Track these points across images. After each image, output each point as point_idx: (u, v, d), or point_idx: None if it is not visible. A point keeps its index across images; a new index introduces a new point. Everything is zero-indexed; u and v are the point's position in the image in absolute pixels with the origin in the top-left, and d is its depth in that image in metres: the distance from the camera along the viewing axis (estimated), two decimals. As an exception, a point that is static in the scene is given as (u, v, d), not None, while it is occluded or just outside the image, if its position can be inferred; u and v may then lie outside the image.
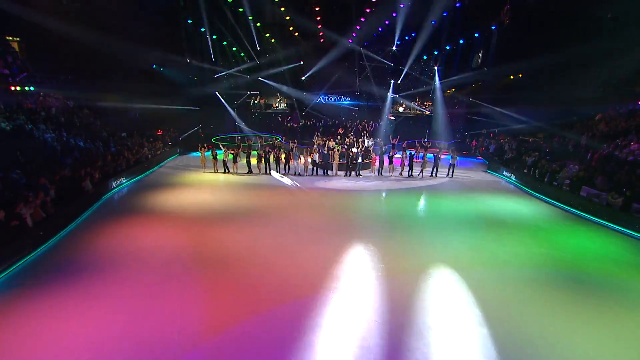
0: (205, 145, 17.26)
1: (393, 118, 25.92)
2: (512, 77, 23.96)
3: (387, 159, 16.76)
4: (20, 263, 7.51)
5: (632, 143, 15.27)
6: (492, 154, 20.33)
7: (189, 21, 21.92)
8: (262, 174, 16.38)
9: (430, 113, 26.83)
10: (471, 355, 5.15)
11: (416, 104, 28.20)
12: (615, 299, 6.74)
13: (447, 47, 24.98)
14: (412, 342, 5.36)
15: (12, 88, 18.88)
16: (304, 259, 8.06)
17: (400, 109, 28.50)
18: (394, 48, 26.29)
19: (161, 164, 18.18)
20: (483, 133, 24.22)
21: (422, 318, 5.93)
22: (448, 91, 26.87)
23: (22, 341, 5.29)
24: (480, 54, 23.83)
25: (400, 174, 16.56)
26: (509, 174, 16.72)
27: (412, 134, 23.83)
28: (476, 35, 23.01)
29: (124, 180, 14.08)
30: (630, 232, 10.14)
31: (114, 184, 13.30)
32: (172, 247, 8.59)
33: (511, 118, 22.49)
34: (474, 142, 24.17)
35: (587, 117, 20.12)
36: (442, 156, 17.41)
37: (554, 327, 5.85)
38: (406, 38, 26.06)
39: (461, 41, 23.89)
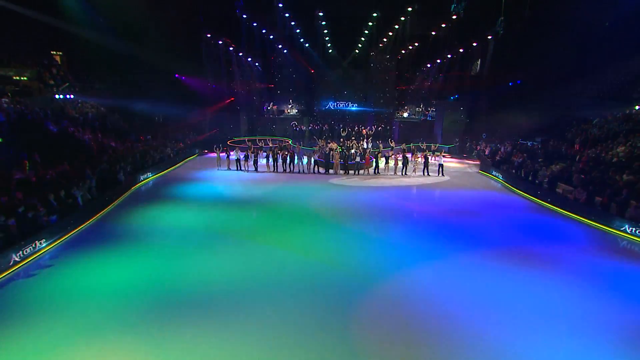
0: (220, 146, 19.34)
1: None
2: (510, 83, 25.16)
3: (385, 160, 18.45)
4: (74, 232, 9.61)
5: (619, 146, 16.37)
6: (487, 156, 21.59)
7: (208, 35, 24.25)
8: (271, 171, 18.28)
9: (432, 118, 28.26)
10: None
11: (420, 109, 29.68)
12: (546, 269, 8.17)
13: (449, 56, 26.44)
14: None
15: (57, 96, 21.36)
16: (290, 230, 9.89)
17: (405, 115, 30.02)
18: (400, 57, 27.99)
19: (182, 162, 20.38)
20: (483, 137, 25.39)
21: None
22: (452, 97, 28.20)
23: (85, 280, 7.32)
24: (479, 62, 25.20)
25: (395, 172, 18.10)
26: (497, 174, 18.05)
27: (413, 137, 25.36)
28: (474, 44, 24.41)
29: (150, 174, 16.30)
30: (586, 220, 11.50)
31: (142, 177, 15.51)
32: (190, 224, 10.55)
33: (510, 122, 23.59)
34: (477, 146, 25.26)
35: (583, 122, 20.96)
36: (433, 159, 18.82)
37: (496, 294, 7.43)
38: (410, 48, 27.71)
39: (461, 50, 25.36)
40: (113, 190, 12.77)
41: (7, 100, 17.98)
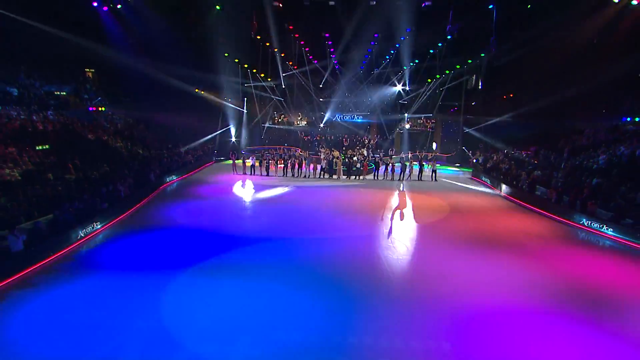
0: (235, 153, 21.55)
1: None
2: (504, 97, 26.92)
3: (383, 167, 20.43)
4: (120, 217, 11.81)
5: (601, 154, 17.99)
6: (480, 164, 23.31)
7: (226, 55, 26.85)
8: (281, 176, 20.35)
9: (432, 129, 30.16)
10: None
11: (421, 121, 31.61)
12: (510, 253, 9.93)
13: (447, 72, 28.43)
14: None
15: (90, 109, 23.88)
16: (292, 218, 11.87)
17: (407, 126, 31.96)
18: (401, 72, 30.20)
19: (201, 168, 22.66)
20: (480, 147, 27.09)
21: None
22: (451, 110, 30.08)
23: (132, 249, 9.42)
24: (474, 78, 27.13)
25: (392, 178, 19.98)
26: (486, 179, 19.79)
27: (414, 147, 27.29)
28: (470, 61, 26.41)
29: (174, 176, 18.56)
30: (553, 216, 13.20)
31: (167, 179, 17.77)
32: (211, 215, 12.64)
33: (503, 134, 25.27)
34: (473, 155, 26.96)
35: (575, 132, 22.43)
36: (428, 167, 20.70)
37: (465, 265, 9.25)
38: (411, 64, 29.85)
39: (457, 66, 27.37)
40: (145, 188, 15.02)
41: (52, 112, 20.61)
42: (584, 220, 12.03)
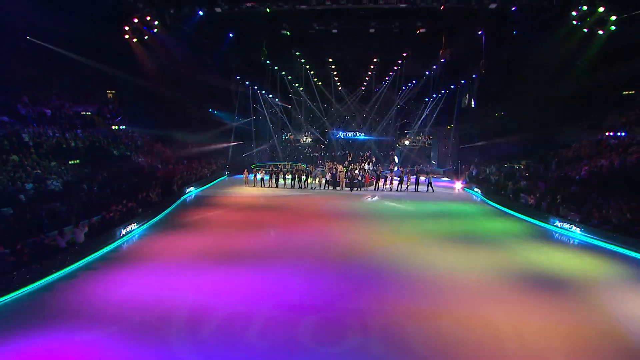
0: (247, 169, 23.58)
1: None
2: (496, 114, 28.83)
3: (383, 179, 22.26)
4: (150, 222, 13.69)
5: (584, 166, 19.64)
6: (474, 176, 25.01)
7: (237, 77, 29.30)
8: (290, 188, 22.22)
9: (430, 145, 32.07)
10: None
11: (419, 138, 33.57)
12: (487, 248, 11.59)
13: (442, 91, 30.54)
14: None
15: (112, 127, 25.99)
16: (303, 223, 13.64)
17: (406, 142, 33.92)
18: (400, 92, 32.41)
19: (216, 181, 24.65)
20: (475, 161, 28.85)
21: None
22: (448, 127, 32.03)
23: (167, 245, 11.25)
24: (467, 97, 29.18)
25: (390, 189, 21.75)
26: (477, 190, 21.49)
27: (413, 162, 29.15)
28: (462, 82, 28.53)
29: (193, 188, 20.52)
30: (531, 219, 14.86)
31: (187, 190, 19.72)
32: (228, 219, 14.48)
33: (496, 149, 27.03)
34: (467, 169, 28.71)
35: (563, 146, 24.05)
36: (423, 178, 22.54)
37: (448, 258, 10.94)
38: (409, 85, 32.06)
39: (452, 86, 29.50)
40: (170, 197, 16.95)
41: (80, 130, 22.75)
42: (557, 222, 13.66)
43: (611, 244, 11.57)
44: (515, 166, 25.33)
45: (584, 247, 11.90)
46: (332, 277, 8.90)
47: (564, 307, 7.54)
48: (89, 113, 25.70)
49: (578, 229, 12.82)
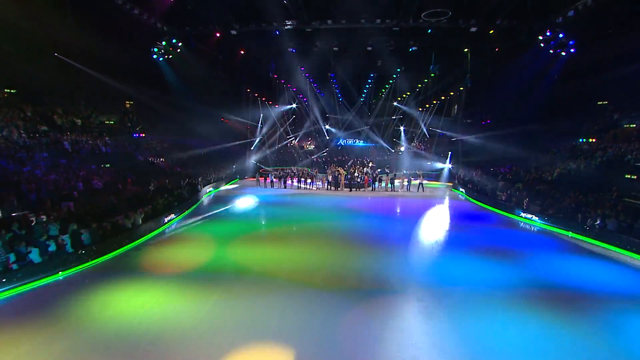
0: (259, 172, 26.51)
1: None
2: (482, 121, 31.78)
3: (379, 181, 25.14)
4: (186, 211, 16.57)
5: (556, 170, 22.45)
6: (461, 178, 27.83)
7: (248, 90, 32.38)
8: (296, 189, 25.09)
9: (423, 151, 35.01)
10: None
11: (414, 144, 36.52)
12: (457, 228, 14.39)
13: (434, 102, 33.55)
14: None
15: (134, 135, 28.83)
16: (310, 215, 16.48)
17: (402, 148, 36.86)
18: (395, 103, 35.42)
19: (230, 183, 27.54)
20: (463, 166, 31.66)
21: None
22: (440, 134, 34.93)
23: (201, 231, 14.08)
24: (456, 107, 32.18)
25: (386, 189, 24.62)
26: (462, 189, 24.33)
27: (407, 166, 32.01)
28: (451, 93, 31.56)
29: (212, 188, 23.42)
30: (501, 212, 17.70)
31: (207, 190, 22.60)
32: (248, 212, 17.29)
33: (483, 154, 29.86)
34: (457, 173, 31.52)
35: (541, 151, 26.78)
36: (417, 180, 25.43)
37: (422, 233, 13.75)
38: (404, 96, 35.09)
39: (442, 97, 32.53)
40: (195, 194, 19.83)
41: (107, 138, 25.58)
42: (521, 212, 16.49)
43: (558, 227, 14.46)
44: (501, 169, 28.14)
45: (540, 231, 14.71)
46: (333, 249, 11.66)
47: (506, 268, 10.29)
48: (112, 122, 28.58)
49: (537, 218, 15.65)
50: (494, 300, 8.03)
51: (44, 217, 11.43)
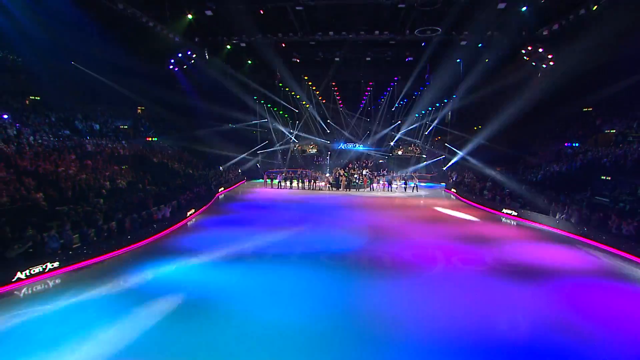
0: (266, 174, 28.59)
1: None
2: (475, 127, 33.79)
3: (377, 182, 27.14)
4: (205, 207, 18.53)
5: (540, 171, 24.37)
6: (454, 180, 29.80)
7: (255, 97, 34.53)
8: (300, 189, 27.10)
9: (419, 155, 37.07)
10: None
11: (410, 148, 38.56)
12: (445, 224, 16.33)
13: (429, 109, 35.65)
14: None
15: (147, 139, 30.71)
16: (315, 209, 18.44)
17: (400, 152, 38.89)
18: (393, 109, 37.55)
19: (239, 183, 29.55)
20: (456, 168, 33.63)
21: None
22: (437, 138, 37.00)
23: (218, 223, 16.06)
24: (449, 114, 34.27)
25: (383, 189, 26.64)
26: (454, 189, 26.31)
27: (404, 169, 34.05)
28: (445, 100, 33.67)
29: (222, 188, 25.40)
30: (486, 208, 19.65)
31: (219, 190, 24.58)
32: (262, 207, 19.28)
33: (475, 157, 31.82)
34: (450, 175, 33.48)
35: (529, 154, 28.72)
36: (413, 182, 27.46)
37: (415, 228, 15.70)
38: (401, 103, 37.19)
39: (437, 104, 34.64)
40: (210, 192, 21.83)
41: (124, 141, 27.37)
42: (503, 208, 18.48)
43: (533, 220, 16.47)
44: (492, 172, 30.06)
45: (521, 226, 16.64)
46: (337, 231, 13.62)
47: (483, 251, 12.24)
48: (126, 127, 30.47)
49: (516, 213, 17.64)
50: (471, 273, 10.03)
51: (88, 209, 13.42)
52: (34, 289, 8.76)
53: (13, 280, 8.63)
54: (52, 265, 9.42)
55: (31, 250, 9.34)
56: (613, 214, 13.08)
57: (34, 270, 8.99)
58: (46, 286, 9.00)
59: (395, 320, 7.47)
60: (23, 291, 8.63)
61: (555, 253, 12.24)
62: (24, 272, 8.77)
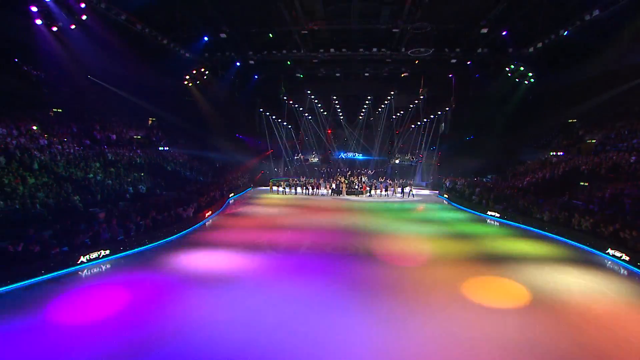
0: (271, 181, 30.68)
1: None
2: (467, 138, 35.98)
3: (375, 188, 29.23)
4: (220, 208, 20.56)
5: (526, 177, 26.46)
6: (447, 186, 31.82)
7: (260, 110, 36.86)
8: (304, 195, 29.12)
9: (416, 163, 39.24)
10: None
11: (407, 157, 40.75)
12: (437, 224, 18.34)
13: (425, 120, 37.91)
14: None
15: (159, 148, 32.77)
16: (318, 213, 20.46)
17: (397, 161, 41.08)
18: (391, 120, 39.86)
19: (246, 190, 31.62)
20: (449, 176, 35.65)
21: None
22: (431, 148, 39.16)
23: (235, 221, 18.10)
24: (443, 125, 36.53)
25: (380, 195, 28.69)
26: (446, 196, 28.36)
27: (401, 176, 36.16)
28: (439, 113, 35.97)
29: (232, 194, 27.43)
30: (474, 211, 21.70)
31: (230, 195, 26.62)
32: (269, 211, 21.31)
33: (467, 165, 33.90)
34: (444, 181, 35.49)
35: (518, 163, 30.84)
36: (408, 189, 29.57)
37: (410, 227, 17.71)
38: (397, 115, 39.50)
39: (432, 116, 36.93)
40: (222, 198, 23.85)
41: (139, 151, 29.45)
42: (488, 211, 20.53)
43: (512, 221, 18.50)
44: (484, 179, 32.11)
45: (502, 225, 18.65)
46: (336, 234, 15.62)
47: (467, 245, 14.23)
48: (139, 137, 32.49)
49: (499, 215, 19.68)
50: (455, 263, 12.06)
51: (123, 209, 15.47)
52: (92, 271, 10.76)
53: (78, 263, 10.62)
54: (105, 253, 11.42)
55: (88, 241, 11.36)
56: (576, 212, 15.12)
57: (92, 256, 10.98)
58: (100, 269, 10.99)
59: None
60: (84, 272, 10.64)
61: (525, 245, 14.32)
62: (85, 257, 10.77)
